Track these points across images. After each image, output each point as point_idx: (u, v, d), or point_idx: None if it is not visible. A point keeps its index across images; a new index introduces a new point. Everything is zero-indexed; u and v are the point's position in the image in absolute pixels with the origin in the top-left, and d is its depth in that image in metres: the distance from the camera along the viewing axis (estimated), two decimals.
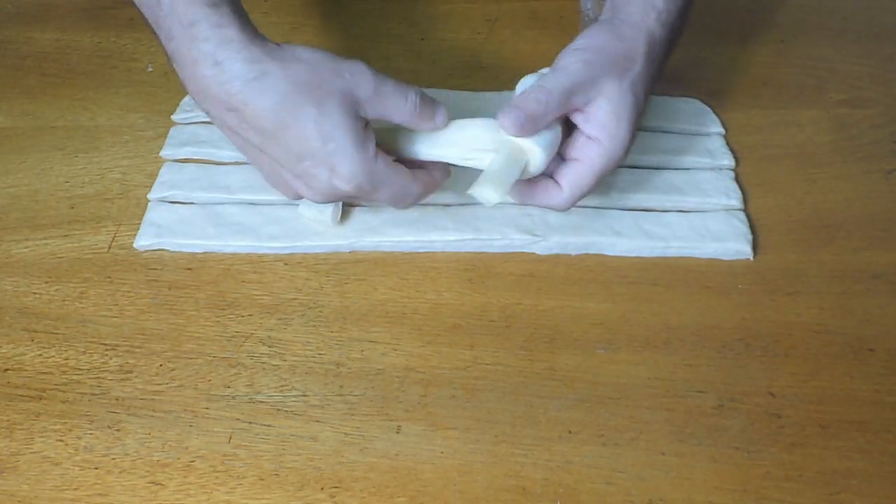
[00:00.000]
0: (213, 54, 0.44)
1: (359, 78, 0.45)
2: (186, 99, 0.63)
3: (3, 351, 0.48)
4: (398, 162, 0.47)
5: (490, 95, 0.62)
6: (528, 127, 0.46)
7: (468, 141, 0.48)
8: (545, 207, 0.51)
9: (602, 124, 0.47)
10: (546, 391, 0.46)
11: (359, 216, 0.54)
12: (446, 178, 0.50)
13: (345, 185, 0.46)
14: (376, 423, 0.45)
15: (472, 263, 0.53)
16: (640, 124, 0.50)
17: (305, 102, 0.44)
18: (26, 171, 0.59)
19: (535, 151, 0.47)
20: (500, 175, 0.45)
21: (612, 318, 0.50)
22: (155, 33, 0.47)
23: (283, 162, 0.46)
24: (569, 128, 0.49)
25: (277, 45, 0.45)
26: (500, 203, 0.46)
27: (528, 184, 0.49)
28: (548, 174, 0.49)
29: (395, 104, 0.45)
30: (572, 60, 0.47)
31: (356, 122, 0.45)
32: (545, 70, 0.50)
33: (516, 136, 0.46)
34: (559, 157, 0.49)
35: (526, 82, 0.50)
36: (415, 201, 0.49)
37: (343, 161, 0.45)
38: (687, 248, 0.53)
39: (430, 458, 0.44)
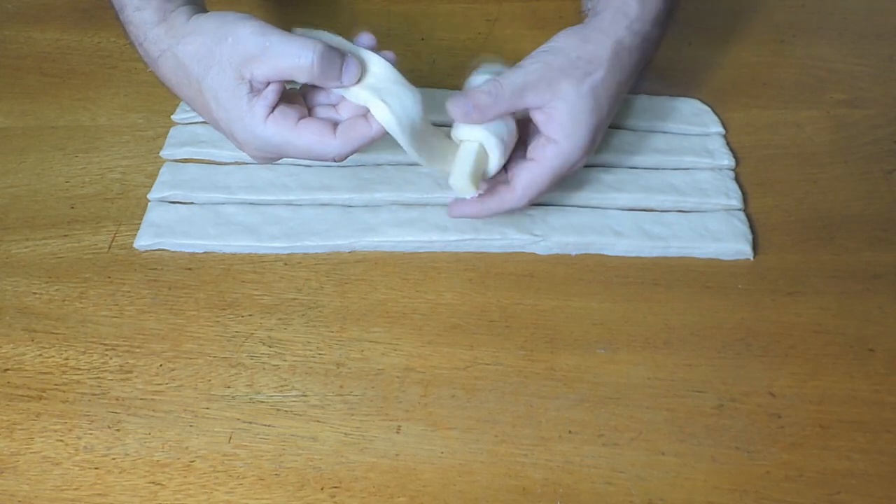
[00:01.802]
0: (135, 36, 0.48)
1: (241, 41, 0.43)
2: None
3: (3, 351, 0.48)
4: (311, 118, 0.46)
5: None
6: (475, 116, 0.47)
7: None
8: (502, 211, 0.50)
9: (559, 125, 0.48)
10: (546, 391, 0.46)
11: (359, 216, 0.54)
12: (374, 131, 0.46)
13: (247, 149, 0.47)
14: (376, 423, 0.45)
15: (472, 263, 0.53)
16: (604, 129, 0.51)
17: (193, 75, 0.45)
18: (26, 171, 0.59)
19: (493, 151, 0.48)
20: (475, 167, 0.47)
21: (612, 318, 0.50)
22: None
23: (213, 127, 0.48)
24: (530, 130, 0.50)
25: (187, 19, 0.46)
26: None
27: (479, 200, 0.50)
28: (503, 177, 0.50)
29: (289, 62, 0.43)
30: (531, 61, 0.48)
31: (238, 87, 0.44)
32: (493, 65, 0.51)
33: (462, 123, 0.47)
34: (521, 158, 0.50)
35: (477, 79, 0.51)
36: (339, 156, 0.46)
37: (234, 128, 0.45)
38: (687, 248, 0.53)
39: (430, 458, 0.44)
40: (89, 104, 0.64)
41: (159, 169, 0.58)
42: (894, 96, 0.65)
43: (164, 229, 0.54)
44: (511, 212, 0.51)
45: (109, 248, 0.54)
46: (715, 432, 0.45)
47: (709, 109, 0.62)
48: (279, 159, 0.49)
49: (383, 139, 0.46)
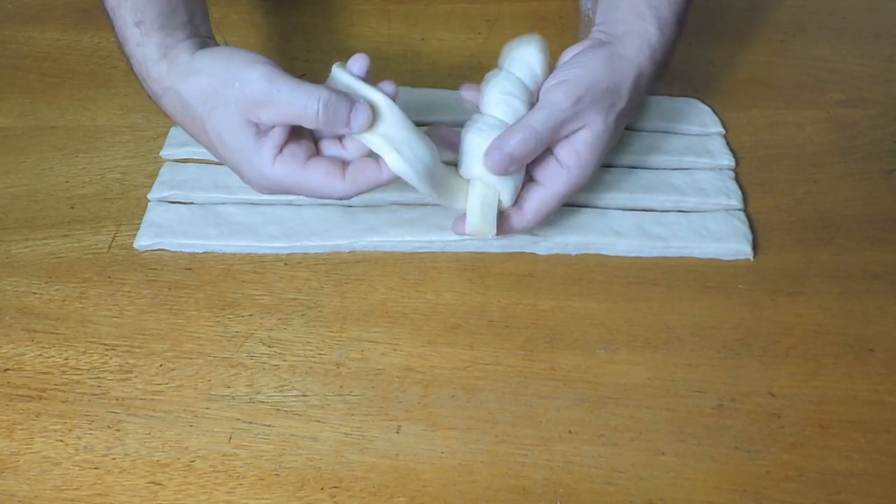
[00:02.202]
0: (138, 71, 0.48)
1: (248, 87, 0.43)
2: None
3: (3, 351, 0.48)
4: (318, 158, 0.46)
5: None
6: (512, 168, 0.47)
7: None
8: (509, 233, 0.50)
9: (576, 153, 0.48)
10: (546, 391, 0.46)
11: (359, 216, 0.54)
12: (384, 177, 0.46)
13: (254, 186, 0.47)
14: (376, 423, 0.45)
15: (472, 263, 0.53)
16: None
17: (197, 114, 0.45)
18: (26, 171, 0.59)
19: (505, 191, 0.48)
20: (491, 212, 0.47)
21: (612, 318, 0.50)
22: None
23: (224, 161, 0.48)
24: None
25: (190, 56, 0.46)
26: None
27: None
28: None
29: (295, 110, 0.43)
30: (562, 97, 0.46)
31: (246, 129, 0.44)
32: (510, 75, 0.50)
33: (499, 175, 0.47)
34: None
35: (493, 84, 0.50)
36: (346, 196, 0.46)
37: (241, 167, 0.46)
38: (687, 248, 0.53)
39: (430, 458, 0.44)
40: (89, 104, 0.64)
41: (159, 169, 0.58)
42: (894, 96, 0.65)
43: (164, 229, 0.54)
44: (518, 233, 0.51)
45: (109, 248, 0.54)
46: (715, 432, 0.45)
47: (709, 109, 0.62)
48: (286, 194, 0.50)
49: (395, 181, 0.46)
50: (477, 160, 0.47)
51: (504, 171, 0.46)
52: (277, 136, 0.45)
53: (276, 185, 0.46)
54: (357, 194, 0.46)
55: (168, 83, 0.46)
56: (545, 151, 0.48)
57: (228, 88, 0.44)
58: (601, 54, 0.48)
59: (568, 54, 0.50)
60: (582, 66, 0.48)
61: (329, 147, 0.47)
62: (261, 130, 0.45)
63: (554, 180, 0.49)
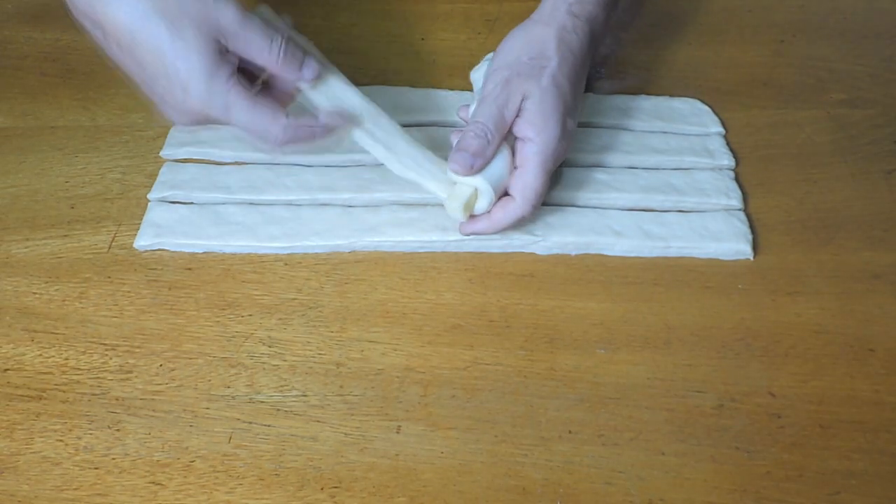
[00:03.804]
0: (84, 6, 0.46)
1: (223, 9, 0.45)
2: None
3: (3, 351, 0.48)
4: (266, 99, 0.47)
5: None
6: (478, 164, 0.49)
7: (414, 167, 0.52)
8: (512, 222, 0.51)
9: (530, 123, 0.50)
10: (546, 391, 0.46)
11: (359, 216, 0.54)
12: (323, 133, 0.49)
13: (197, 105, 0.46)
14: (376, 423, 0.45)
15: (472, 263, 0.53)
16: (575, 112, 0.52)
17: (162, 21, 0.44)
18: (26, 171, 0.59)
19: (483, 192, 0.50)
20: (466, 203, 0.50)
21: (612, 318, 0.50)
22: None
23: (143, 81, 0.48)
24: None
25: None
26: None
27: (487, 215, 0.51)
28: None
29: (259, 45, 0.46)
30: (492, 86, 0.50)
31: (211, 45, 0.45)
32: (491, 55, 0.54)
33: (468, 177, 0.49)
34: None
35: (479, 70, 0.55)
36: (278, 143, 0.47)
37: (194, 82, 0.45)
38: (687, 248, 0.53)
39: (430, 458, 0.44)
40: (89, 104, 0.64)
41: (159, 169, 0.58)
42: (894, 96, 0.65)
43: (164, 229, 0.54)
44: (521, 220, 0.51)
45: (109, 248, 0.54)
46: (715, 432, 0.45)
47: (709, 109, 0.63)
48: (207, 123, 0.48)
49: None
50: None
51: (469, 169, 0.49)
52: (235, 60, 0.46)
53: (221, 106, 0.46)
54: (290, 143, 0.47)
55: None
56: (515, 138, 0.51)
57: (198, 4, 0.44)
58: (516, 32, 0.53)
59: None
60: (501, 51, 0.52)
61: (275, 92, 0.49)
62: (221, 51, 0.45)
63: (525, 155, 0.50)
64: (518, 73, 0.50)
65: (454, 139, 0.52)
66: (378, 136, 0.51)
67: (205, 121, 0.48)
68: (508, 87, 0.50)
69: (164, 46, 0.45)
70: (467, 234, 0.52)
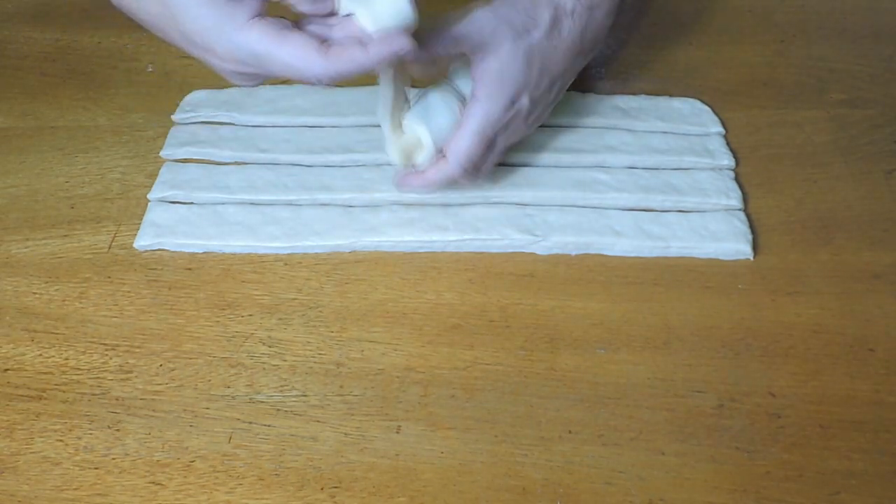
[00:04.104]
0: None
1: None
2: (187, 98, 0.63)
3: (3, 351, 0.48)
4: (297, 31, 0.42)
5: None
6: (414, 53, 0.42)
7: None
8: (445, 182, 0.50)
9: (483, 84, 0.48)
10: (546, 391, 0.46)
11: (359, 216, 0.54)
12: (370, 58, 0.41)
13: (229, 65, 0.43)
14: (376, 423, 0.45)
15: (472, 263, 0.53)
16: (540, 96, 0.50)
17: None
18: (26, 171, 0.59)
19: (425, 146, 0.49)
20: (406, 152, 0.50)
21: (612, 318, 0.50)
22: None
23: (184, 48, 0.44)
24: None
25: None
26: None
27: (420, 172, 0.51)
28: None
29: None
30: (478, 7, 0.47)
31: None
32: None
33: (415, 126, 0.48)
34: None
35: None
36: (323, 77, 0.41)
37: (213, 40, 0.42)
38: (687, 248, 0.53)
39: (430, 458, 0.44)
40: (89, 104, 0.64)
41: (159, 169, 0.58)
42: (894, 96, 0.65)
43: (164, 229, 0.54)
44: (454, 181, 0.51)
45: (109, 248, 0.54)
46: (715, 432, 0.45)
47: (709, 109, 0.62)
48: (259, 80, 0.45)
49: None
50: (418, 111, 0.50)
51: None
52: (253, 3, 0.41)
53: (248, 55, 0.42)
54: (336, 76, 0.41)
55: None
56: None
57: None
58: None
59: None
60: None
61: (310, 27, 0.43)
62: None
63: (466, 114, 0.48)
64: (507, 17, 0.47)
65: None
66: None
67: (253, 76, 0.44)
68: (489, 22, 0.47)
69: (175, 12, 0.41)
70: (403, 191, 0.52)
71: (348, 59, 0.41)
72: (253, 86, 0.46)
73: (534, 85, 0.50)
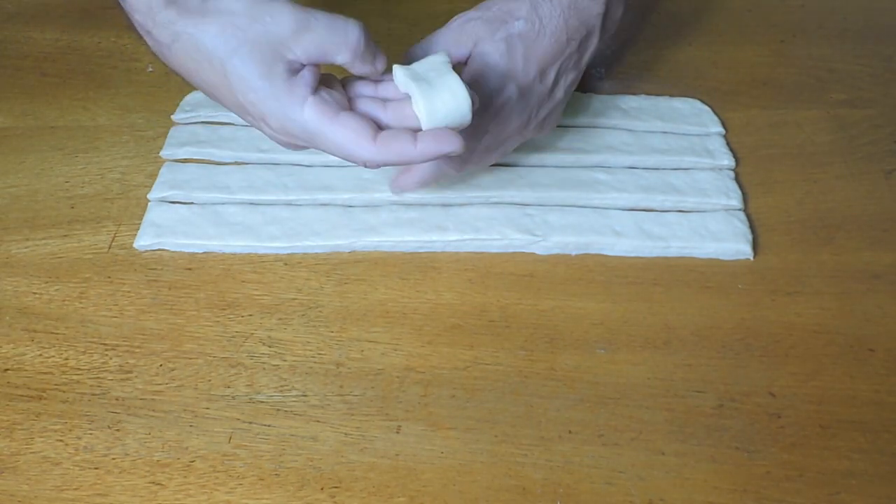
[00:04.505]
0: (143, 24, 0.44)
1: (279, 18, 0.41)
2: (187, 98, 0.63)
3: (3, 351, 0.48)
4: (352, 112, 0.43)
5: None
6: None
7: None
8: (432, 172, 0.50)
9: (470, 76, 0.48)
10: (546, 391, 0.46)
11: (359, 216, 0.54)
12: (417, 153, 0.42)
13: (279, 135, 0.44)
14: (376, 423, 0.45)
15: (472, 263, 0.53)
16: (531, 85, 0.49)
17: (216, 56, 0.41)
18: (26, 171, 0.59)
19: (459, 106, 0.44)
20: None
21: (612, 318, 0.50)
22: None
23: (237, 114, 0.45)
24: None
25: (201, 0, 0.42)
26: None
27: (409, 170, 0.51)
28: None
29: (332, 40, 0.41)
30: (455, 18, 0.50)
31: (275, 66, 0.41)
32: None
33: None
34: None
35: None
36: (371, 163, 0.42)
37: (268, 112, 0.42)
38: (687, 248, 0.53)
39: (430, 458, 0.44)
40: (89, 104, 0.64)
41: (159, 169, 0.58)
42: (894, 96, 0.65)
43: (164, 229, 0.54)
44: (445, 173, 0.50)
45: (109, 248, 0.54)
46: (715, 432, 0.45)
47: (709, 109, 0.63)
48: (307, 148, 0.46)
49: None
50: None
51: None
52: (308, 75, 0.42)
53: (303, 131, 0.42)
54: (384, 163, 0.42)
55: (179, 27, 0.42)
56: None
57: (256, 24, 0.41)
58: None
59: None
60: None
61: (364, 105, 0.44)
62: (292, 69, 0.42)
63: None
64: (480, 18, 0.49)
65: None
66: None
67: (300, 146, 0.45)
68: (465, 23, 0.49)
69: (230, 80, 0.42)
70: (399, 192, 0.53)
71: (398, 152, 0.42)
72: (298, 150, 0.47)
73: (521, 73, 0.49)
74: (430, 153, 0.42)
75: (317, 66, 0.43)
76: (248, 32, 0.41)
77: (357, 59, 0.42)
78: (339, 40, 0.42)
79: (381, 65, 0.44)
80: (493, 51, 0.48)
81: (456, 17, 0.50)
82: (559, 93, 0.52)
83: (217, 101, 0.45)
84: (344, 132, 0.42)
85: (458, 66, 0.48)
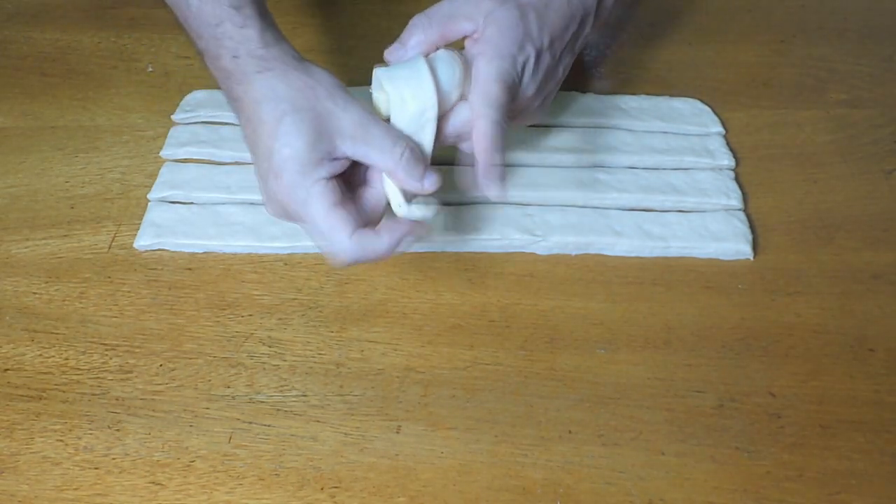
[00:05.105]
0: (233, 49, 0.45)
1: (349, 110, 0.44)
2: (187, 98, 0.63)
3: (3, 351, 0.48)
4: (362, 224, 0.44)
5: None
6: (411, 44, 0.48)
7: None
8: (494, 137, 0.47)
9: (486, 39, 0.47)
10: (546, 391, 0.46)
11: None
12: (388, 253, 0.44)
13: (283, 195, 0.44)
14: (376, 423, 0.45)
15: (472, 263, 0.53)
16: (543, 53, 0.49)
17: (283, 107, 0.43)
18: (26, 171, 0.59)
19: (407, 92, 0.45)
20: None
21: (612, 318, 0.50)
22: (185, 31, 0.48)
23: (254, 158, 0.46)
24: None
25: (299, 57, 0.46)
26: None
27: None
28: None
29: (381, 147, 0.44)
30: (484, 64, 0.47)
31: (319, 142, 0.43)
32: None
33: (405, 53, 0.48)
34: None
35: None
36: (342, 259, 0.44)
37: (288, 171, 0.44)
38: (687, 248, 0.53)
39: (430, 458, 0.44)
40: (89, 104, 0.64)
41: (159, 169, 0.58)
42: (894, 96, 0.65)
43: (164, 229, 0.54)
44: (499, 131, 0.47)
45: (109, 248, 0.54)
46: (715, 432, 0.45)
47: (709, 109, 0.62)
48: (292, 221, 0.47)
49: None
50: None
51: (400, 47, 0.48)
52: (338, 165, 0.44)
53: (298, 207, 0.44)
54: (358, 261, 0.44)
55: (273, 65, 0.45)
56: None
57: (325, 101, 0.44)
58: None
59: None
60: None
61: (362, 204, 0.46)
62: (330, 154, 0.44)
63: (477, 72, 0.47)
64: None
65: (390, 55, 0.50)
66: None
67: (287, 216, 0.46)
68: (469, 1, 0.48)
69: (279, 129, 0.43)
70: (485, 189, 0.48)
71: (371, 251, 0.44)
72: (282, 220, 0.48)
73: (536, 37, 0.49)
74: (395, 244, 0.44)
75: (351, 161, 0.45)
76: (318, 104, 0.44)
77: (398, 172, 0.44)
78: (386, 149, 0.44)
79: (429, 184, 0.45)
80: (507, 16, 0.48)
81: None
82: (560, 71, 0.52)
83: (246, 143, 0.47)
84: (334, 218, 0.43)
85: (460, 44, 0.48)
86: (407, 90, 0.45)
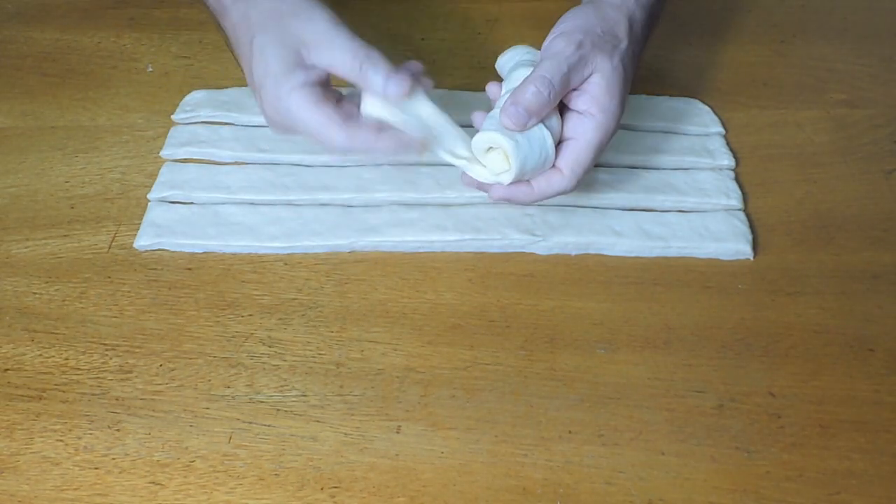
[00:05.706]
0: None
1: (313, 20, 0.47)
2: (187, 98, 0.63)
3: (3, 351, 0.48)
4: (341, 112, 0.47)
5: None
6: (532, 122, 0.47)
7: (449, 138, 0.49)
8: (552, 196, 0.50)
9: (594, 98, 0.48)
10: (546, 391, 0.46)
11: (359, 216, 0.54)
12: (381, 146, 0.47)
13: (269, 110, 0.48)
14: (376, 423, 0.45)
15: (472, 263, 0.53)
16: (627, 101, 0.51)
17: (254, 29, 0.47)
18: (26, 171, 0.59)
19: (513, 169, 0.48)
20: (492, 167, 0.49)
21: (612, 318, 0.50)
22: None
23: (248, 81, 0.49)
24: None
25: None
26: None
27: (526, 183, 0.49)
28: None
29: (342, 58, 0.46)
30: (563, 45, 0.48)
31: (286, 55, 0.46)
32: (521, 47, 0.52)
33: (515, 131, 0.47)
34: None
35: (508, 61, 0.52)
36: (340, 149, 0.47)
37: (265, 87, 0.47)
38: (687, 248, 0.53)
39: (430, 458, 0.44)
40: (89, 104, 0.64)
41: (159, 169, 0.58)
42: (894, 96, 0.65)
43: (164, 229, 0.54)
44: (560, 194, 0.50)
45: (109, 248, 0.54)
46: (715, 432, 0.45)
47: (709, 109, 0.63)
48: (292, 133, 0.49)
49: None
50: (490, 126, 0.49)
51: (522, 126, 0.47)
52: (312, 74, 0.46)
53: (285, 115, 0.47)
54: (350, 150, 0.47)
55: None
56: (564, 110, 0.49)
57: (291, 19, 0.47)
58: (587, 8, 0.51)
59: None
60: (573, 17, 0.50)
61: (348, 103, 0.49)
62: (303, 64, 0.46)
63: (582, 129, 0.48)
64: (593, 43, 0.48)
65: (477, 119, 0.50)
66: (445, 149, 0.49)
67: (284, 129, 0.49)
68: (581, 50, 0.48)
69: (252, 51, 0.47)
70: (497, 200, 0.50)
71: (362, 139, 0.47)
72: (285, 135, 0.50)
73: (627, 93, 0.50)
74: (390, 148, 0.47)
75: (326, 71, 0.47)
76: (285, 20, 0.47)
77: (356, 80, 0.46)
78: (346, 59, 0.46)
79: (393, 89, 0.46)
80: (613, 71, 0.48)
81: (562, 40, 0.48)
82: None
83: (237, 61, 0.51)
84: (320, 119, 0.46)
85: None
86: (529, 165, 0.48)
